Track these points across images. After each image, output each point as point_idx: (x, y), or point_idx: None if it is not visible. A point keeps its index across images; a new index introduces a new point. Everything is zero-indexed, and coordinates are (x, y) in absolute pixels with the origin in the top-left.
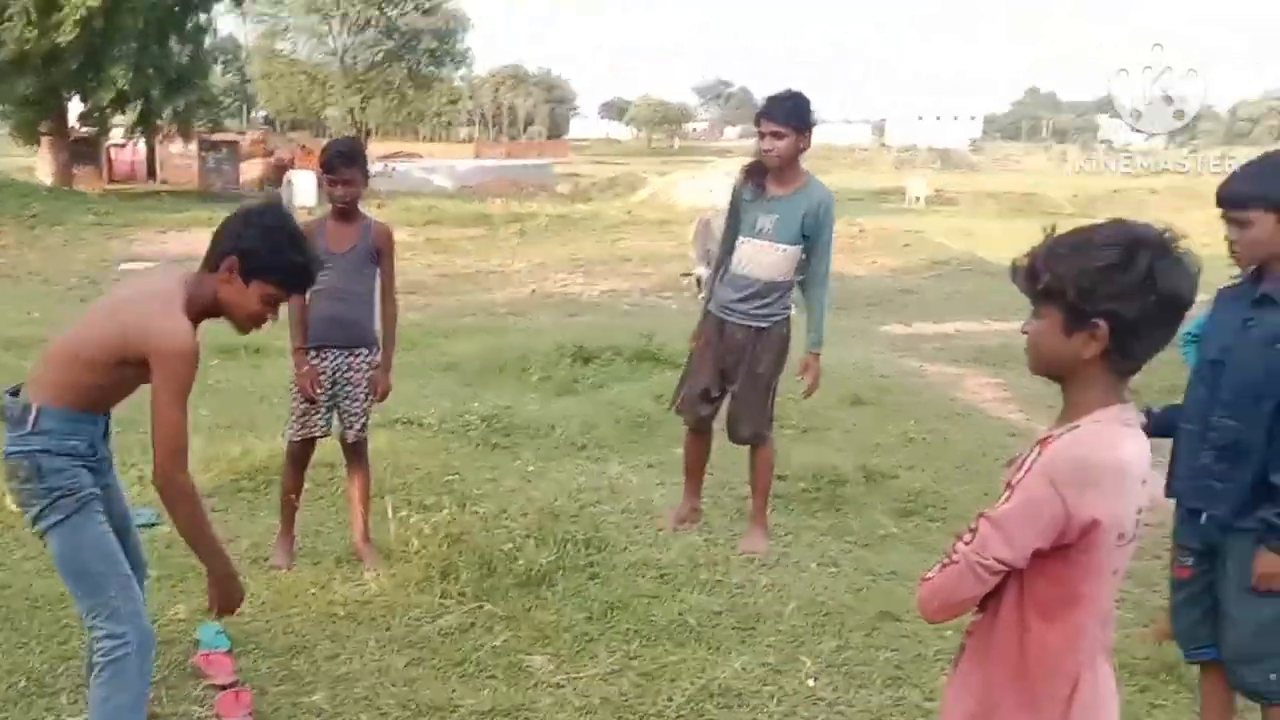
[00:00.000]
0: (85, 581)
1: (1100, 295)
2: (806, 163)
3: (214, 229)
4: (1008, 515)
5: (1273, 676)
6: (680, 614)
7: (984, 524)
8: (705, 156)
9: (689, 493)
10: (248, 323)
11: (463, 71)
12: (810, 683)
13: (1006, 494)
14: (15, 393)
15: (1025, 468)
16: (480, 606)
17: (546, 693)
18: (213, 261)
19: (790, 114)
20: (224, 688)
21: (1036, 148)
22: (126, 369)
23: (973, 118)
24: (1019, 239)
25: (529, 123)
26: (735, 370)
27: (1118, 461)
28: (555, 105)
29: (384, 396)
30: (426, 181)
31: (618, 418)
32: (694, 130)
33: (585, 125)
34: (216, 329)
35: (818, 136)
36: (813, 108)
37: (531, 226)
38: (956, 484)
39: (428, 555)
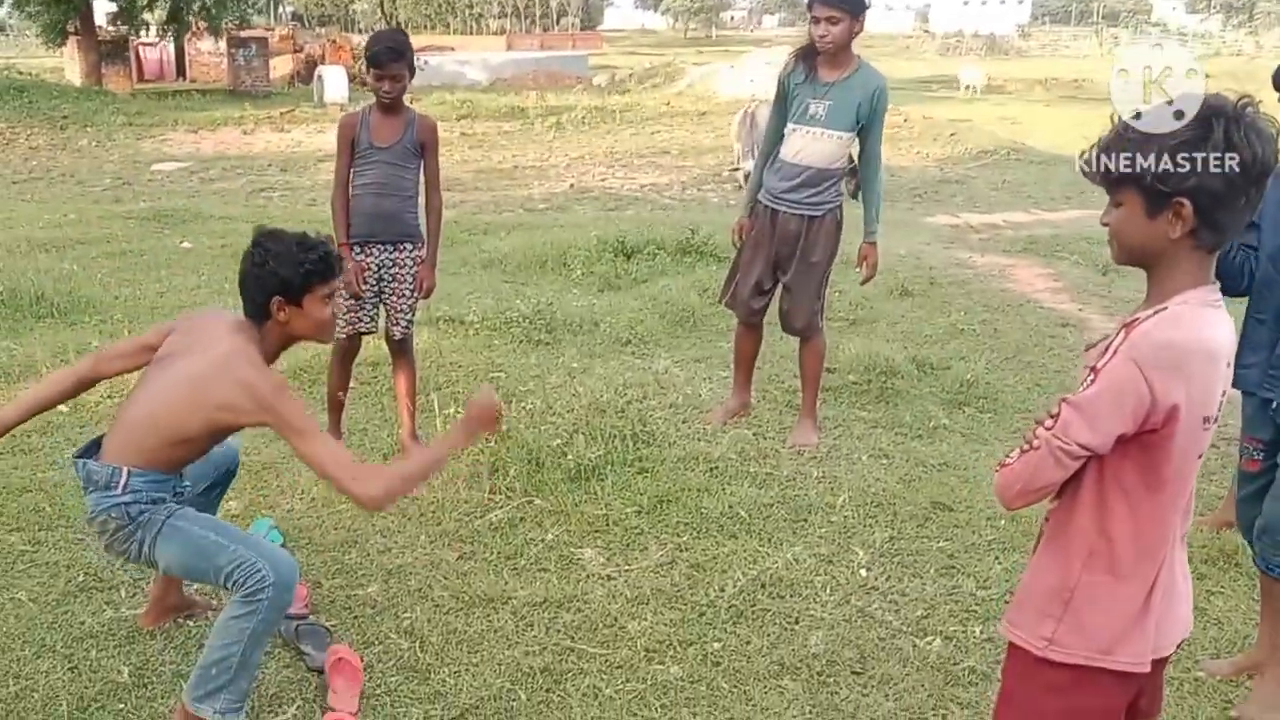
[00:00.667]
0: (206, 555)
1: (1180, 172)
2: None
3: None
4: (1091, 399)
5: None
6: (731, 506)
7: (1067, 409)
8: (743, 46)
9: (739, 387)
10: (327, 330)
11: None
12: (863, 573)
13: (1090, 378)
14: (85, 453)
15: (1110, 352)
16: (529, 501)
17: (598, 584)
18: (259, 312)
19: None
20: None
21: (1087, 31)
22: (220, 434)
23: (1020, 2)
24: (1067, 127)
25: (562, 14)
26: (789, 261)
27: (1205, 343)
28: None
29: (429, 293)
30: (460, 75)
31: (663, 312)
32: (731, 19)
33: (620, 15)
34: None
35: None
36: None
37: (568, 119)
38: (1008, 374)
39: (475, 451)
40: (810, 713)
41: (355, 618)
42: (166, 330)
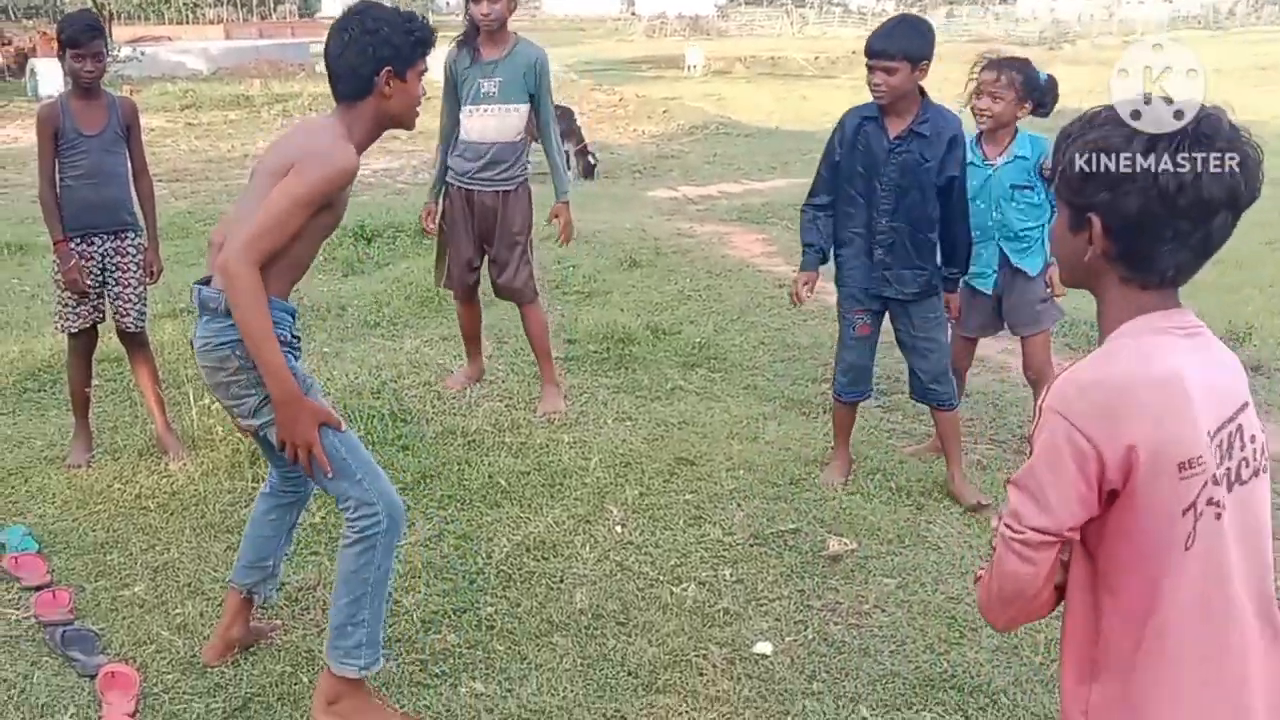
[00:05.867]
0: (339, 466)
1: (1091, 185)
2: (555, 34)
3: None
4: (1030, 473)
5: (949, 388)
6: (490, 477)
7: (1011, 491)
8: (454, 31)
9: (471, 357)
10: (414, 115)
11: None
12: (618, 529)
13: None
14: (206, 282)
15: (1036, 413)
16: None
17: None
18: (362, 88)
19: None
20: (39, 588)
21: (778, 12)
22: (317, 217)
23: None
24: (767, 101)
25: (279, 2)
26: (491, 235)
27: (1153, 375)
28: None
29: (157, 277)
30: (180, 65)
31: (407, 294)
32: (448, 4)
33: (337, 4)
34: None
35: (570, 7)
36: None
37: (295, 106)
38: (734, 335)
39: (234, 440)
40: (582, 665)
41: (124, 619)
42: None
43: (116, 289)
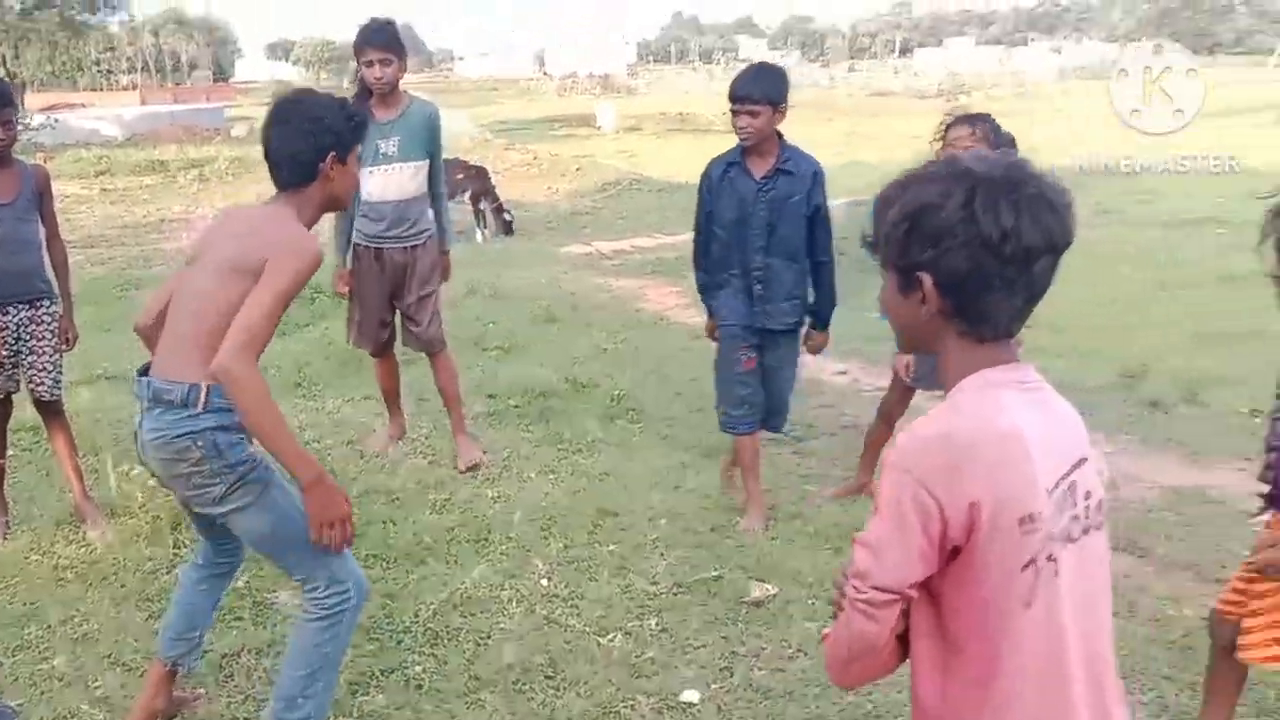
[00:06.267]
0: (297, 549)
1: (916, 244)
2: (469, 95)
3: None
4: (875, 532)
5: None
6: (415, 534)
7: (856, 550)
8: None
9: (392, 414)
10: (352, 195)
11: (119, 16)
12: (544, 583)
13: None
14: (146, 371)
15: (881, 470)
16: None
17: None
18: (306, 174)
19: (390, 41)
20: None
21: (686, 69)
22: (287, 307)
23: (626, 44)
24: (678, 156)
25: (193, 67)
26: (401, 290)
27: (996, 429)
28: (218, 48)
29: (73, 344)
30: (94, 132)
31: (327, 354)
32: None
33: (251, 68)
34: None
35: (485, 69)
36: (401, 34)
37: (211, 171)
38: (651, 387)
39: (154, 507)
40: None
41: (43, 693)
42: (191, 250)
43: (31, 358)
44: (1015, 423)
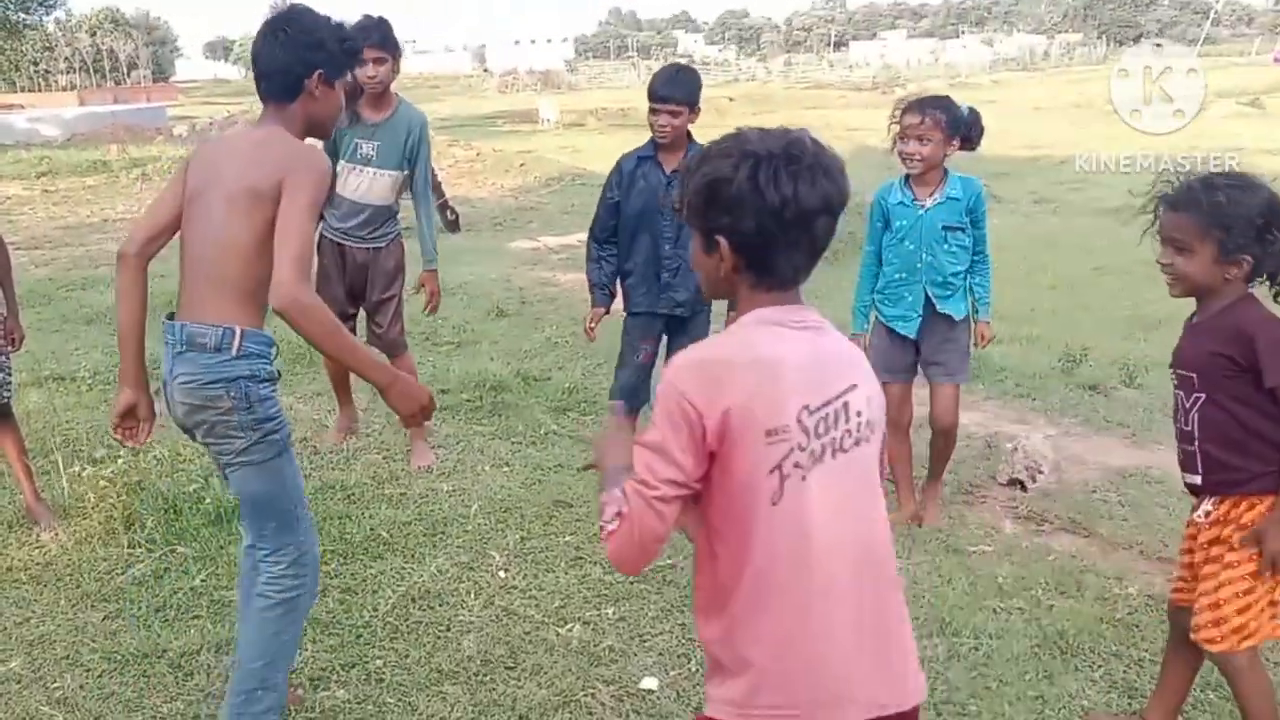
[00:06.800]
0: (279, 520)
1: (713, 211)
2: (411, 92)
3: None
4: (653, 434)
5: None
6: (372, 529)
7: (639, 452)
8: None
9: (343, 406)
10: (334, 124)
11: (56, 15)
12: (502, 574)
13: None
14: (172, 317)
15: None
16: (172, 550)
17: None
18: (290, 90)
19: (385, 39)
20: None
21: (624, 64)
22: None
23: (565, 39)
24: (619, 151)
25: (132, 67)
26: (364, 289)
27: (753, 355)
28: (157, 47)
29: (19, 345)
30: (34, 132)
31: (280, 350)
32: None
33: (191, 67)
34: None
35: (424, 65)
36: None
37: (154, 170)
38: (602, 378)
39: (106, 507)
40: (473, 712)
41: (1, 696)
42: (183, 171)
43: None
44: (775, 351)
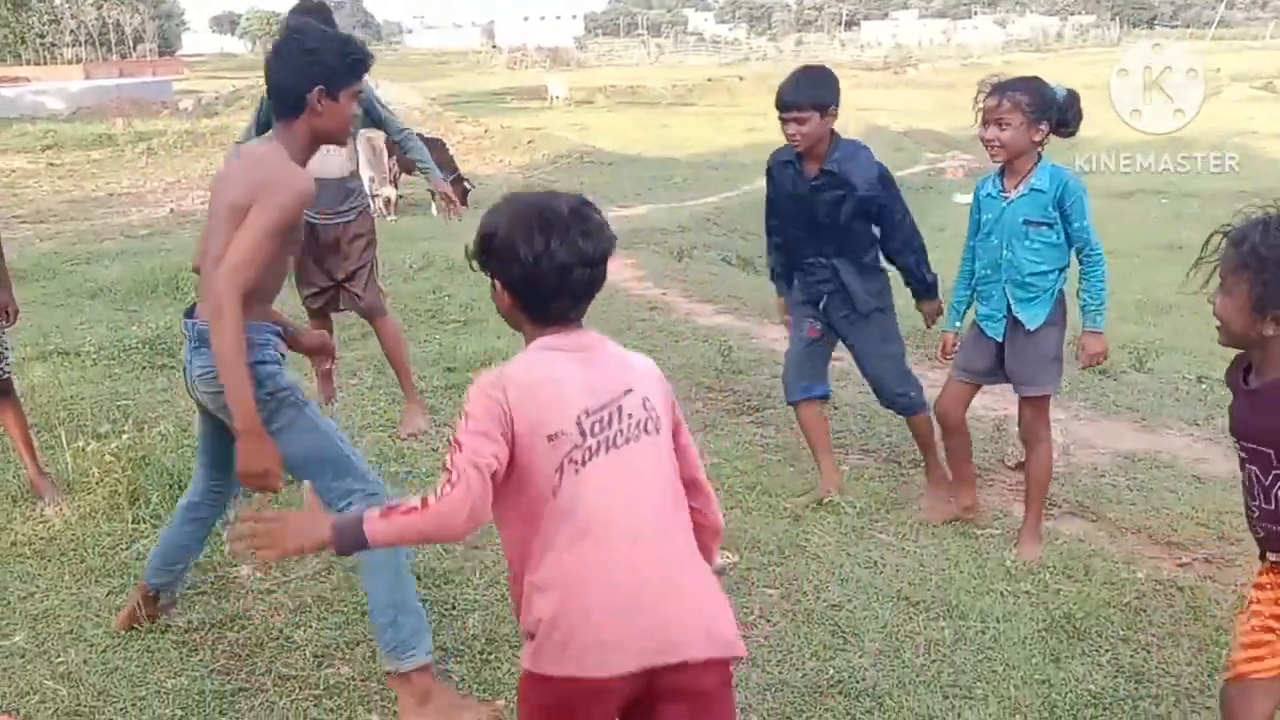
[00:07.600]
0: (332, 466)
1: (487, 258)
2: (419, 68)
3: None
4: (472, 423)
5: (913, 394)
6: None
7: (465, 435)
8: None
9: (322, 379)
10: (345, 132)
11: None
12: None
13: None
14: (189, 314)
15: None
16: None
17: (259, 599)
18: (294, 107)
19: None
20: None
21: (634, 42)
22: (286, 242)
23: (574, 17)
24: (629, 129)
25: (138, 40)
26: (335, 261)
27: (532, 376)
28: (163, 20)
29: (14, 319)
30: (39, 105)
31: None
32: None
33: (198, 40)
34: None
35: (432, 41)
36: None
37: (160, 144)
38: None
39: (111, 482)
40: (478, 690)
41: (4, 670)
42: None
43: None
44: (551, 373)
